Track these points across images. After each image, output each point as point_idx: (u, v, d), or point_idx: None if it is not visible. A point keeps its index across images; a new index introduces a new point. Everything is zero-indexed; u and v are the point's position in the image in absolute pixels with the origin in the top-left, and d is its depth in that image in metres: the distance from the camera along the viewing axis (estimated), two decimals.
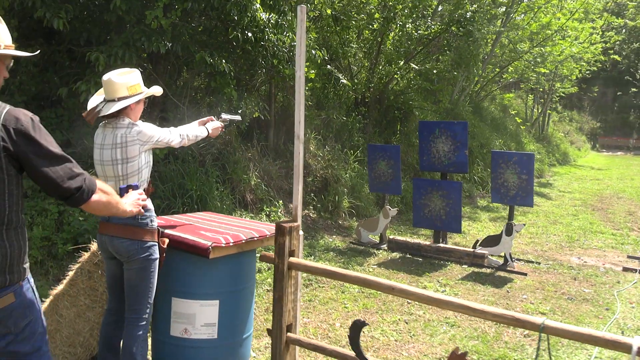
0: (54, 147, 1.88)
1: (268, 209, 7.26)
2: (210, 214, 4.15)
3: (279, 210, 7.36)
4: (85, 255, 3.52)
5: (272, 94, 8.45)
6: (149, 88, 3.07)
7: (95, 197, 1.98)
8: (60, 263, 4.89)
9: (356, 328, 3.05)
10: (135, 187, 2.62)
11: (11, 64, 1.96)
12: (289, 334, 3.29)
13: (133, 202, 2.46)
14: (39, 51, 2.51)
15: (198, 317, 3.27)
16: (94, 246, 3.48)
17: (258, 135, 8.31)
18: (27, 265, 1.97)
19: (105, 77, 2.88)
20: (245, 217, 6.72)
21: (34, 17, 5.40)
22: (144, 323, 2.97)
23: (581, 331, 2.41)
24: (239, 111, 3.85)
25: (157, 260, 3.00)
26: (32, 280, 2.02)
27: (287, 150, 8.66)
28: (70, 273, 3.52)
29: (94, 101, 3.00)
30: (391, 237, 7.37)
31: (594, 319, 4.95)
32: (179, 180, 6.21)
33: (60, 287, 3.52)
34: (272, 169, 8.05)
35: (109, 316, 3.14)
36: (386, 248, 7.21)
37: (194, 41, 6.50)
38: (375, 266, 6.40)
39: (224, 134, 7.51)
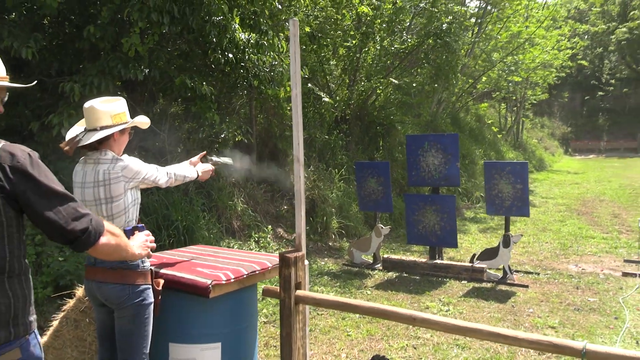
0: (56, 185, 1.69)
1: (257, 235, 6.99)
2: (202, 247, 3.88)
3: (268, 236, 7.09)
4: (70, 302, 3.21)
5: (252, 116, 8.23)
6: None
7: (103, 239, 1.78)
8: (41, 309, 4.53)
9: None
10: (142, 229, 2.35)
11: (6, 98, 1.79)
12: None
13: (141, 244, 2.21)
14: (35, 82, 2.26)
15: None
16: (79, 291, 3.18)
17: (241, 159, 8.05)
18: (33, 318, 1.74)
19: (87, 104, 2.62)
20: (234, 246, 6.45)
21: (1, 47, 5.10)
22: None
23: (626, 354, 2.21)
24: (226, 158, 3.59)
25: (152, 305, 2.72)
26: (39, 335, 1.79)
27: (271, 173, 8.41)
28: (55, 323, 3.20)
29: (73, 131, 2.72)
30: (385, 256, 7.15)
31: (605, 329, 4.78)
32: (163, 211, 5.91)
33: (44, 339, 3.19)
34: (258, 194, 7.80)
35: None
36: (381, 268, 6.98)
37: (171, 66, 6.27)
38: (373, 288, 6.17)
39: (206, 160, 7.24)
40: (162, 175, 2.84)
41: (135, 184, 2.67)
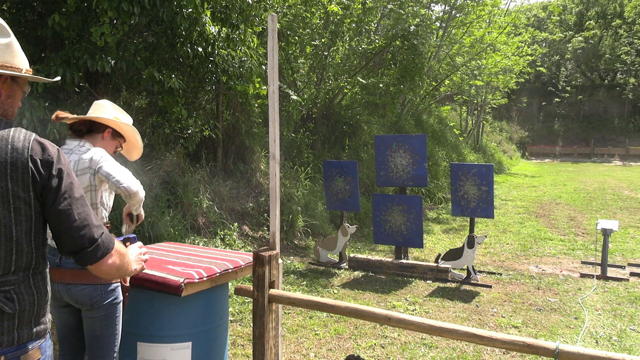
0: (77, 187, 1.65)
1: (222, 233, 6.88)
2: (172, 244, 3.79)
3: (234, 234, 6.99)
4: None
5: (219, 112, 8.10)
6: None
7: (110, 259, 1.69)
8: None
9: None
10: (134, 240, 2.21)
11: (28, 91, 1.76)
12: None
13: (136, 258, 2.06)
14: (58, 77, 2.18)
15: None
16: None
17: (206, 156, 7.93)
18: (49, 318, 1.69)
19: (99, 100, 2.68)
20: (199, 243, 6.33)
21: None
22: None
23: (598, 354, 2.26)
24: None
25: (121, 303, 2.63)
26: None
27: (237, 170, 8.32)
28: None
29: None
30: (351, 255, 7.16)
31: (566, 329, 4.91)
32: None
33: None
34: (223, 190, 7.68)
35: None
36: (347, 267, 6.99)
37: (138, 58, 6.10)
38: (340, 287, 6.16)
39: (171, 156, 7.10)
40: (133, 181, 2.56)
41: (99, 180, 2.52)
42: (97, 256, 1.64)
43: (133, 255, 2.01)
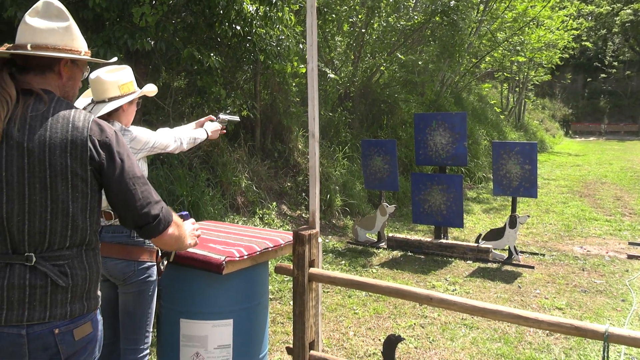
0: (136, 167, 1.72)
1: (261, 212, 6.93)
2: (212, 223, 3.82)
3: (272, 213, 7.04)
4: None
5: (257, 92, 8.10)
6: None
7: (170, 230, 1.79)
8: None
9: (391, 344, 2.78)
10: (187, 217, 2.22)
11: (87, 74, 1.83)
12: (312, 351, 3.00)
13: (190, 234, 2.10)
14: (115, 58, 2.22)
15: (211, 339, 2.94)
16: None
17: (245, 135, 7.96)
18: (99, 294, 1.75)
19: (92, 75, 2.52)
20: (238, 222, 6.40)
21: (4, 16, 4.97)
22: (143, 354, 2.63)
23: None
24: (233, 111, 3.56)
25: (156, 283, 2.67)
26: None
27: (274, 150, 8.34)
28: None
29: (80, 103, 2.64)
30: (390, 234, 7.12)
31: (612, 311, 4.77)
32: (168, 186, 5.84)
33: None
34: (262, 170, 7.72)
35: (104, 347, 2.74)
36: (385, 246, 6.96)
37: (177, 38, 6.13)
38: (378, 266, 6.14)
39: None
40: (170, 140, 2.76)
41: (144, 155, 2.61)
42: (160, 229, 1.74)
43: (187, 231, 2.06)
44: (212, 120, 3.26)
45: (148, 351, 2.67)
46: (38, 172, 1.54)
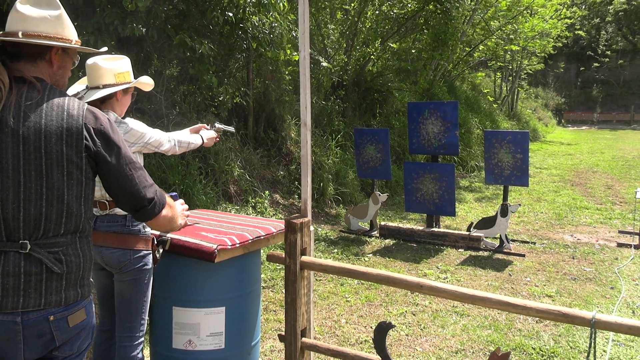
0: (130, 153, 1.76)
1: (254, 201, 6.94)
2: (205, 212, 3.83)
3: (265, 201, 7.04)
4: None
5: (249, 80, 8.07)
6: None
7: (164, 211, 1.85)
8: None
9: (382, 330, 2.80)
10: (176, 197, 2.26)
11: (77, 61, 1.84)
12: (303, 339, 3.02)
13: (181, 213, 2.17)
14: (105, 48, 2.22)
15: (203, 327, 2.96)
16: None
17: (237, 124, 7.94)
18: (91, 282, 1.79)
19: (90, 61, 2.51)
20: (231, 211, 6.40)
21: None
22: (138, 341, 2.65)
23: (636, 324, 2.20)
24: (231, 127, 3.54)
25: (152, 271, 2.68)
26: None
27: (267, 138, 8.32)
28: None
29: (74, 89, 2.62)
30: (382, 223, 7.15)
31: (601, 299, 4.83)
32: (160, 174, 5.83)
33: None
34: (254, 158, 7.71)
35: (102, 334, 2.79)
36: (378, 235, 6.99)
37: (168, 25, 6.08)
38: (371, 255, 6.18)
39: (203, 123, 7.12)
40: (165, 140, 2.76)
41: (138, 149, 2.60)
42: (155, 212, 1.80)
43: (178, 211, 2.10)
44: (206, 129, 3.26)
45: (143, 339, 2.68)
46: (33, 160, 1.55)
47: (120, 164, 1.69)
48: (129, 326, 2.62)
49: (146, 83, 2.72)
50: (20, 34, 1.61)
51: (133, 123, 2.58)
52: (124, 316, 2.63)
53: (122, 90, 2.59)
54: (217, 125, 3.40)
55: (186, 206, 2.25)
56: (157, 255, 2.69)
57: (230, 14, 5.90)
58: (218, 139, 3.33)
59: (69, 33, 1.73)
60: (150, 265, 2.64)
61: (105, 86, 2.51)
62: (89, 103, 2.48)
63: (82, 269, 1.68)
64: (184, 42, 5.45)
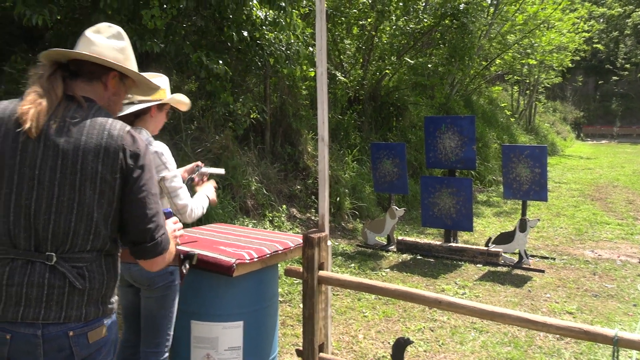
0: (155, 184, 1.74)
1: (271, 215, 6.96)
2: (222, 226, 3.85)
3: (283, 216, 7.06)
4: None
5: (267, 95, 8.14)
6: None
7: (160, 259, 1.75)
8: None
9: (400, 346, 2.79)
10: (169, 215, 2.09)
11: (130, 99, 2.06)
12: (321, 354, 3.02)
13: (172, 234, 1.96)
14: (160, 85, 2.19)
15: (221, 341, 2.96)
16: None
17: (254, 138, 8.00)
18: (115, 300, 1.77)
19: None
20: (248, 225, 6.42)
21: (14, 15, 5.03)
22: (164, 357, 2.66)
23: None
24: (222, 170, 3.18)
25: (178, 286, 2.69)
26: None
27: (284, 153, 8.37)
28: None
29: None
30: (400, 238, 7.11)
31: (624, 316, 4.74)
32: None
33: None
34: (271, 173, 7.74)
35: (126, 349, 2.80)
36: (395, 250, 6.96)
37: (187, 41, 6.18)
38: (388, 270, 6.14)
39: (221, 139, 7.19)
40: (184, 195, 2.55)
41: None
42: (152, 254, 1.71)
43: (169, 231, 1.93)
44: (198, 167, 3.07)
45: (168, 354, 2.68)
46: (69, 174, 1.57)
47: (139, 187, 1.66)
48: (156, 342, 2.63)
49: (182, 102, 2.68)
50: (83, 52, 1.68)
51: (160, 148, 2.49)
52: (150, 332, 2.63)
53: (157, 107, 2.57)
54: (204, 169, 3.13)
55: (180, 225, 2.11)
56: (184, 271, 2.68)
57: (245, 33, 5.97)
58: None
59: (130, 65, 1.80)
60: (177, 281, 2.65)
61: (140, 102, 2.49)
62: (123, 117, 2.45)
63: (105, 287, 1.68)
64: (200, 60, 5.52)
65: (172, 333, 2.69)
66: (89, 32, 1.74)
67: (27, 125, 1.55)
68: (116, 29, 1.79)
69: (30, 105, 1.57)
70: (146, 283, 2.53)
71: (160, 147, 2.49)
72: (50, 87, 1.62)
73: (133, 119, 2.49)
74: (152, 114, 2.56)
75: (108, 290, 1.69)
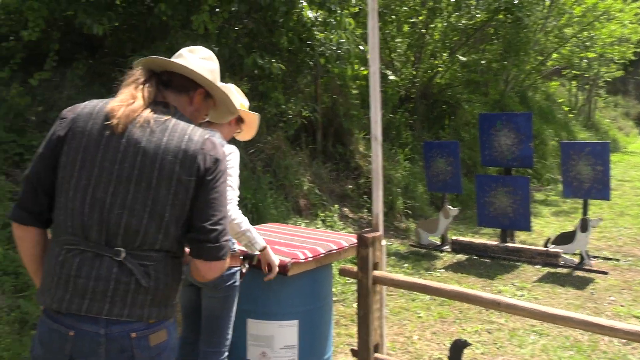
0: (227, 190, 1.76)
1: (323, 215, 6.97)
2: (276, 225, 3.89)
3: (335, 215, 7.06)
4: None
5: (317, 95, 8.17)
6: None
7: (219, 265, 1.70)
8: None
9: (457, 348, 2.73)
10: None
11: (208, 118, 2.08)
12: (376, 354, 2.99)
13: None
14: (239, 107, 2.34)
15: (277, 339, 3.00)
16: None
17: (306, 138, 8.04)
18: (176, 303, 1.78)
19: (227, 84, 2.63)
20: (301, 224, 6.46)
21: (76, 24, 5.25)
22: (223, 356, 2.70)
23: None
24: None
25: (239, 286, 2.73)
26: None
27: (336, 152, 8.37)
28: None
29: None
30: (454, 238, 6.98)
31: None
32: None
33: None
34: (323, 173, 7.76)
35: (185, 347, 2.85)
36: (449, 250, 6.83)
37: (238, 44, 6.28)
38: (442, 270, 6.04)
39: (273, 139, 7.27)
40: (236, 206, 2.46)
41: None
42: (213, 256, 1.67)
43: None
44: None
45: (227, 353, 2.73)
46: (147, 172, 1.60)
47: (212, 188, 1.66)
48: (216, 341, 2.67)
49: (256, 125, 2.80)
50: (181, 65, 1.76)
51: (229, 150, 2.52)
52: (211, 332, 2.68)
53: (237, 119, 2.68)
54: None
55: None
56: (244, 271, 2.72)
57: (296, 35, 6.01)
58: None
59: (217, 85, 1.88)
60: (238, 281, 2.69)
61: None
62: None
63: (169, 289, 1.67)
64: (255, 61, 5.60)
65: (231, 332, 2.73)
66: (185, 51, 1.85)
67: (115, 122, 1.60)
68: (209, 52, 1.90)
69: (121, 104, 1.63)
70: (212, 284, 2.56)
71: (230, 150, 2.54)
72: (143, 90, 1.69)
73: (208, 123, 2.56)
74: (231, 122, 2.66)
75: (171, 293, 1.69)
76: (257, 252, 2.61)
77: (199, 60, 1.84)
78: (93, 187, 1.59)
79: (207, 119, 2.33)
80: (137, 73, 1.75)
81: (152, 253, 1.62)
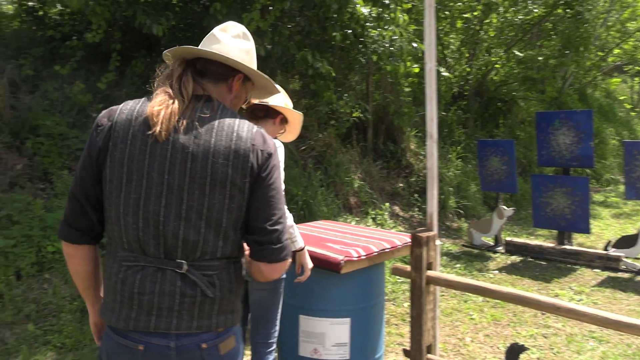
0: (282, 183, 1.67)
1: (373, 212, 6.94)
2: (328, 223, 3.89)
3: (385, 214, 7.01)
4: None
5: (369, 93, 8.13)
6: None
7: (284, 265, 1.62)
8: None
9: (513, 352, 2.66)
10: None
11: (248, 100, 1.91)
12: (429, 355, 2.95)
13: None
14: (279, 92, 2.25)
15: (328, 337, 3.00)
16: None
17: (357, 136, 8.02)
18: (240, 307, 1.72)
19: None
20: (351, 222, 6.46)
21: (135, 24, 5.40)
22: (272, 348, 2.74)
23: None
24: None
25: (285, 279, 2.76)
26: None
27: (387, 150, 8.31)
28: None
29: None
30: (508, 239, 6.81)
31: None
32: (285, 186, 6.03)
33: None
34: (374, 170, 7.73)
35: None
36: (503, 251, 6.67)
37: (291, 42, 6.32)
38: (496, 271, 5.91)
39: (324, 137, 7.29)
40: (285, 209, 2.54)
41: None
42: (276, 258, 1.58)
43: None
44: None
45: (275, 345, 2.77)
46: (199, 179, 1.49)
47: (270, 186, 1.56)
48: (265, 333, 2.71)
49: (299, 125, 2.79)
50: (215, 52, 1.63)
51: (281, 163, 2.57)
52: (261, 323, 2.71)
53: (282, 118, 2.68)
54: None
55: None
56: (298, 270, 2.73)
57: (349, 31, 6.00)
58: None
59: (254, 66, 1.74)
60: (285, 274, 2.72)
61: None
62: (251, 113, 2.62)
63: (234, 295, 1.60)
64: (305, 58, 5.62)
65: (279, 324, 2.76)
66: (217, 31, 1.68)
67: (158, 129, 1.47)
68: (241, 28, 1.72)
69: (161, 107, 1.50)
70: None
71: (277, 144, 2.55)
72: (181, 87, 1.55)
73: (262, 116, 2.59)
74: (276, 121, 2.66)
75: (237, 298, 1.63)
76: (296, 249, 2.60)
77: (232, 40, 1.67)
78: (144, 200, 1.49)
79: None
80: (171, 66, 1.63)
81: (214, 262, 1.54)
